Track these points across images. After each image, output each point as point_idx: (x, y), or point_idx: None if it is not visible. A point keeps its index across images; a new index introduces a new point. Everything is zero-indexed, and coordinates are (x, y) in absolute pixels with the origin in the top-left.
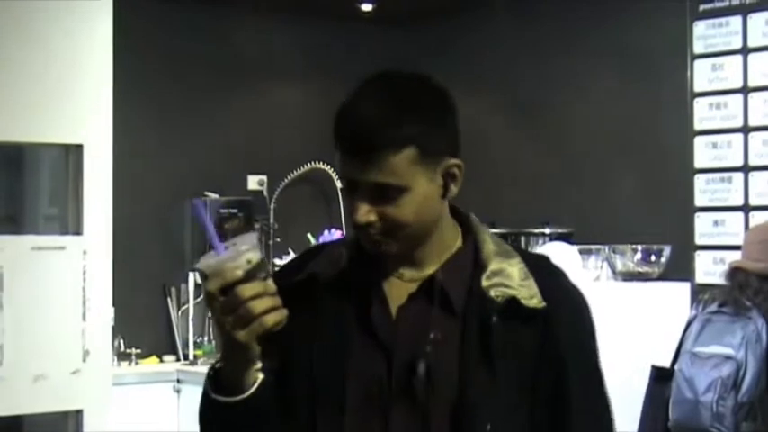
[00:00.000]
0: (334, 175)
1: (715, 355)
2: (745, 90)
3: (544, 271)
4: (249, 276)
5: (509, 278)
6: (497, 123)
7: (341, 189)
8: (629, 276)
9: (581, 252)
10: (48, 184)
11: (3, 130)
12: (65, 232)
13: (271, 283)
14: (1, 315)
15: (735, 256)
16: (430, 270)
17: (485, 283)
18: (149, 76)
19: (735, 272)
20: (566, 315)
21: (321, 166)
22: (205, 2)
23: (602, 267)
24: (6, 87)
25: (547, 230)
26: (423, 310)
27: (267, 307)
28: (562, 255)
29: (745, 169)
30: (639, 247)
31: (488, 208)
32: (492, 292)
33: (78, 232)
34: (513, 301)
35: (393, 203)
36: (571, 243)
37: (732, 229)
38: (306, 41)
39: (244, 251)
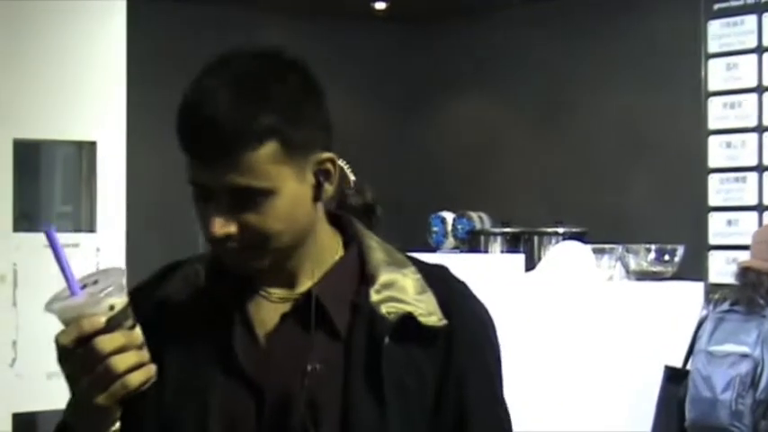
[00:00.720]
0: (349, 170)
1: (731, 354)
2: (759, 89)
3: (444, 283)
4: (112, 326)
5: (402, 291)
6: (511, 123)
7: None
8: (643, 276)
9: (594, 251)
10: (62, 182)
11: (18, 127)
12: (78, 229)
13: (137, 333)
14: (15, 312)
15: (748, 256)
16: (304, 286)
17: (374, 297)
18: (163, 75)
19: (745, 271)
20: (469, 333)
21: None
22: (215, 2)
23: (615, 267)
24: (21, 86)
25: (560, 230)
26: (298, 336)
27: (132, 364)
28: (575, 254)
29: (760, 169)
30: (653, 247)
31: (502, 207)
32: (383, 309)
33: (92, 229)
34: (408, 319)
35: (256, 210)
36: (584, 242)
37: (746, 228)
38: (319, 40)
39: (106, 293)
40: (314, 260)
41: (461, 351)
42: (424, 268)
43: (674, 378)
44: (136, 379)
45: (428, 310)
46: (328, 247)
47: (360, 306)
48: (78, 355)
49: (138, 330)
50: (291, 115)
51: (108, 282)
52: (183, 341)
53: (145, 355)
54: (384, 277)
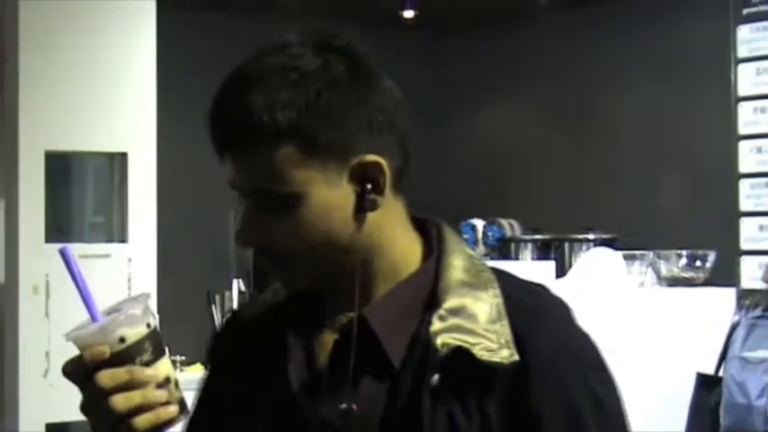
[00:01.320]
0: None
1: (765, 360)
2: None
3: (526, 307)
4: (120, 359)
5: (471, 319)
6: (541, 130)
7: None
8: (674, 282)
9: (625, 258)
10: (93, 193)
11: (50, 139)
12: (110, 240)
13: (156, 369)
14: (48, 322)
15: None
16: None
17: (435, 326)
18: (193, 86)
19: None
20: (547, 369)
21: None
22: (248, 10)
23: (646, 273)
24: (53, 98)
25: (591, 236)
26: (350, 367)
27: (134, 405)
28: (606, 261)
29: None
30: (684, 253)
31: (533, 214)
32: (439, 340)
33: (123, 240)
34: (464, 353)
35: (282, 218)
36: (615, 249)
37: None
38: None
39: (118, 323)
40: (387, 278)
41: (535, 392)
42: (510, 290)
43: (707, 385)
44: (142, 422)
45: (498, 343)
46: (405, 261)
47: (419, 334)
48: (85, 389)
49: (160, 366)
50: (317, 113)
51: (126, 311)
52: (247, 361)
53: (157, 395)
54: (452, 301)
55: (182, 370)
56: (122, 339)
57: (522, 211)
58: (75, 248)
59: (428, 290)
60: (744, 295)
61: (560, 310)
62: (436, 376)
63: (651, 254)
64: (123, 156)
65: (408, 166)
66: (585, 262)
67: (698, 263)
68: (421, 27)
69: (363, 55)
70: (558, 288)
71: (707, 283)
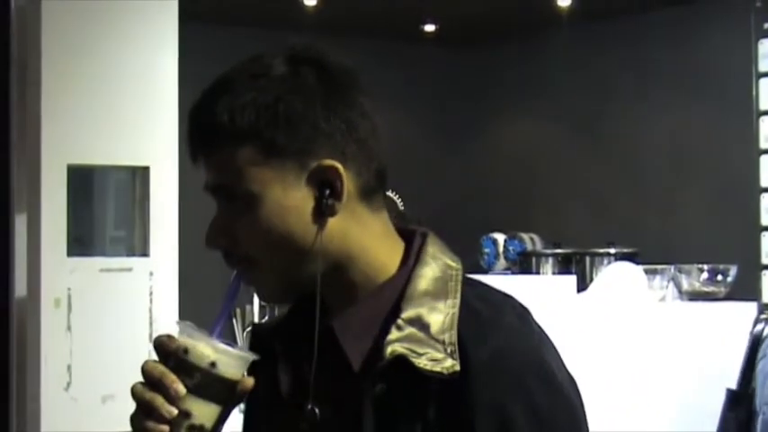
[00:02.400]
0: (399, 202)
1: None
2: None
3: (482, 322)
4: (173, 362)
5: (423, 329)
6: (562, 144)
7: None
8: (696, 296)
9: (646, 272)
10: (115, 207)
11: (72, 153)
12: (132, 254)
13: (177, 385)
14: (69, 336)
15: None
16: (337, 316)
17: (392, 335)
18: None
19: None
20: (486, 378)
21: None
22: (269, 25)
23: (667, 287)
24: (75, 112)
25: (612, 250)
26: (330, 372)
27: (141, 400)
28: (627, 275)
29: None
30: (706, 267)
31: (554, 228)
32: (389, 349)
33: (145, 254)
34: (407, 362)
35: (241, 217)
36: (637, 263)
37: None
38: (368, 63)
39: (226, 352)
40: (362, 287)
41: (471, 401)
42: (470, 300)
43: (737, 400)
44: (137, 420)
45: (444, 353)
46: (382, 269)
47: (378, 344)
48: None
49: (202, 403)
50: (276, 116)
51: (242, 349)
52: (256, 373)
53: (167, 408)
54: (411, 311)
55: None
56: (213, 364)
57: (543, 225)
58: (96, 262)
59: (394, 299)
60: (765, 309)
61: (514, 320)
62: (380, 385)
63: (672, 268)
64: (145, 170)
65: (382, 182)
66: (606, 276)
67: (719, 277)
68: (442, 41)
69: (335, 68)
70: (580, 302)
71: (728, 297)
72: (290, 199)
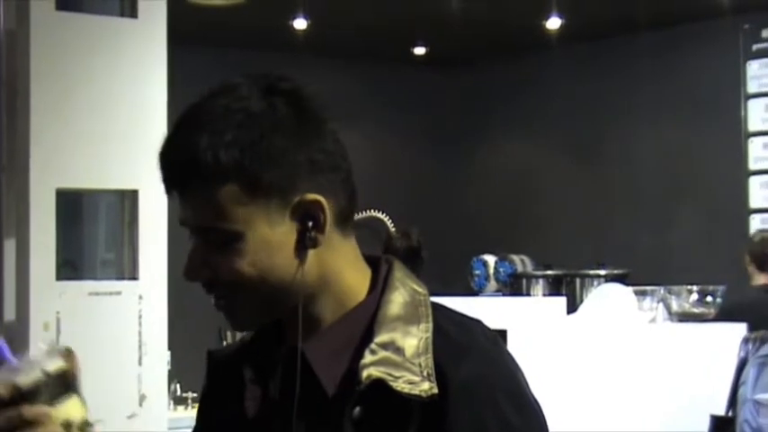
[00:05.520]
0: (390, 223)
1: None
2: None
3: (456, 345)
4: (15, 401)
5: (398, 353)
6: (551, 165)
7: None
8: (685, 317)
9: (636, 293)
10: (104, 230)
11: (61, 177)
12: (121, 277)
13: (40, 410)
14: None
15: None
16: (307, 341)
17: (366, 359)
18: None
19: None
20: (465, 402)
21: (376, 213)
22: (258, 49)
23: (657, 309)
24: (63, 136)
25: (602, 272)
26: (293, 400)
27: None
28: (617, 296)
29: None
30: (695, 288)
31: (544, 249)
32: (364, 373)
33: (134, 277)
34: (385, 386)
35: (224, 253)
36: (626, 284)
37: None
38: (359, 85)
39: (11, 371)
40: (334, 312)
41: (450, 423)
42: (443, 324)
43: (721, 427)
44: None
45: (421, 376)
46: (352, 295)
47: (352, 368)
48: None
49: (61, 409)
50: (260, 153)
51: (23, 360)
52: (216, 400)
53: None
54: (384, 336)
55: (193, 407)
56: (44, 371)
57: (533, 246)
58: (85, 286)
59: (366, 324)
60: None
61: (487, 344)
62: (357, 408)
63: (662, 289)
64: (134, 193)
65: (354, 205)
66: (596, 298)
67: (708, 298)
68: (432, 63)
69: (309, 98)
70: (570, 324)
71: (717, 318)
72: (275, 234)
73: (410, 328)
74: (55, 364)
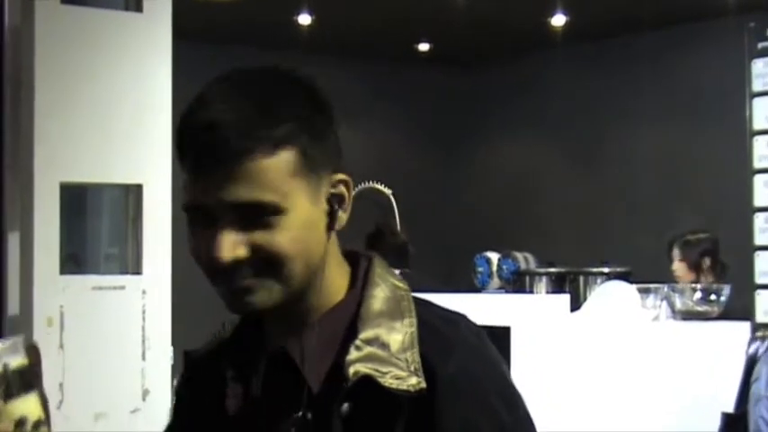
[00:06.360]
0: (390, 193)
1: None
2: None
3: (437, 335)
4: None
5: (384, 348)
6: (556, 163)
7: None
8: (689, 316)
9: (640, 291)
10: (108, 224)
11: (65, 171)
12: (124, 272)
13: None
14: (62, 354)
15: None
16: (292, 340)
17: (352, 355)
18: None
19: None
20: (453, 396)
21: (379, 185)
22: (262, 45)
23: (660, 307)
24: (68, 130)
25: (605, 269)
26: (284, 395)
27: None
28: (620, 294)
29: None
30: (699, 286)
31: (548, 247)
32: (351, 369)
33: (138, 272)
34: (372, 382)
35: (266, 229)
36: (630, 282)
37: None
38: (362, 82)
39: None
40: (318, 308)
41: (439, 418)
42: (427, 319)
43: (732, 424)
44: None
45: (408, 371)
46: (334, 291)
47: (337, 364)
48: None
49: (13, 406)
50: (308, 125)
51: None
52: (195, 398)
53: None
54: (368, 332)
55: None
56: (4, 365)
57: (536, 244)
58: (89, 280)
59: (348, 321)
60: (759, 329)
61: (473, 338)
62: (346, 405)
63: (665, 287)
64: (138, 187)
65: None
66: (600, 295)
67: (712, 297)
68: (436, 60)
69: (319, 87)
70: (573, 321)
71: (721, 317)
72: (314, 211)
73: (394, 323)
74: (16, 360)
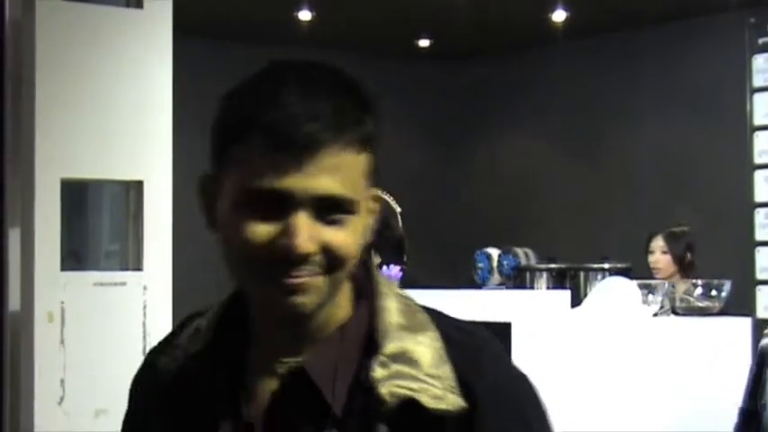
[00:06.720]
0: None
1: None
2: None
3: (468, 351)
4: None
5: (413, 365)
6: (556, 159)
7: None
8: (689, 312)
9: (640, 287)
10: (109, 221)
11: (65, 167)
12: (125, 268)
13: None
14: (63, 350)
15: None
16: (306, 352)
17: (377, 373)
18: (209, 113)
19: None
20: (494, 414)
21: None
22: (262, 40)
23: (661, 302)
24: (68, 126)
25: (606, 265)
26: (291, 418)
27: None
28: (621, 290)
29: None
30: (699, 282)
31: (548, 243)
32: (383, 389)
33: (139, 268)
34: (411, 402)
35: (338, 227)
36: (630, 278)
37: None
38: (362, 78)
39: None
40: (334, 316)
41: None
42: (448, 332)
43: (749, 421)
44: None
45: (443, 389)
46: (344, 301)
47: (359, 382)
48: None
49: None
50: (379, 130)
51: None
52: (168, 412)
53: None
54: (392, 346)
55: None
56: None
57: (537, 240)
58: (90, 276)
59: (364, 334)
60: (761, 325)
61: (496, 348)
62: (384, 427)
63: (666, 283)
64: (139, 184)
65: None
66: (600, 291)
67: (713, 292)
68: (436, 56)
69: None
70: (574, 317)
71: (722, 312)
72: (368, 217)
73: (417, 337)
74: None
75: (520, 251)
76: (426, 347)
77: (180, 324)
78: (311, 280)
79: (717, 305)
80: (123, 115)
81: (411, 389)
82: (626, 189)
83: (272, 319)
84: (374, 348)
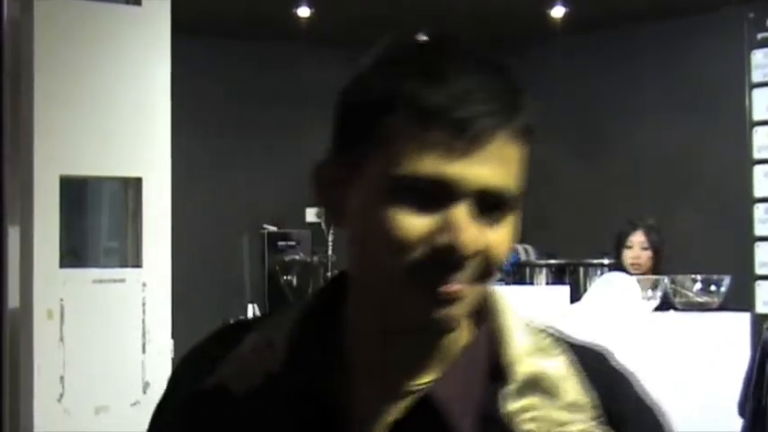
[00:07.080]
0: None
1: None
2: None
3: (595, 373)
4: None
5: (552, 398)
6: (556, 154)
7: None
8: (689, 307)
9: (640, 282)
10: (108, 218)
11: (65, 164)
12: (124, 265)
13: None
14: (62, 347)
15: None
16: (426, 377)
17: (510, 406)
18: (207, 111)
19: None
20: None
21: None
22: (261, 37)
23: (661, 298)
24: (68, 123)
25: (605, 261)
26: None
27: None
28: (621, 285)
29: None
30: (699, 277)
31: (548, 238)
32: (524, 427)
33: (138, 265)
34: None
35: (498, 225)
36: (630, 273)
37: None
38: None
39: None
40: (460, 335)
41: None
42: (579, 356)
43: (760, 417)
44: None
45: (590, 421)
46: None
47: (491, 415)
48: None
49: None
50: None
51: None
52: None
53: None
54: (524, 372)
55: None
56: None
57: (536, 236)
58: (89, 273)
59: (486, 357)
60: (760, 320)
61: (616, 364)
62: None
63: (665, 278)
64: (138, 181)
65: None
66: (600, 286)
67: (713, 288)
68: None
69: None
70: (574, 313)
71: (721, 308)
72: (518, 213)
73: (546, 361)
74: None
75: (519, 247)
76: (560, 372)
77: (217, 334)
78: (467, 288)
79: (716, 300)
80: (122, 112)
81: (560, 422)
82: (625, 184)
83: (398, 334)
84: (504, 375)
